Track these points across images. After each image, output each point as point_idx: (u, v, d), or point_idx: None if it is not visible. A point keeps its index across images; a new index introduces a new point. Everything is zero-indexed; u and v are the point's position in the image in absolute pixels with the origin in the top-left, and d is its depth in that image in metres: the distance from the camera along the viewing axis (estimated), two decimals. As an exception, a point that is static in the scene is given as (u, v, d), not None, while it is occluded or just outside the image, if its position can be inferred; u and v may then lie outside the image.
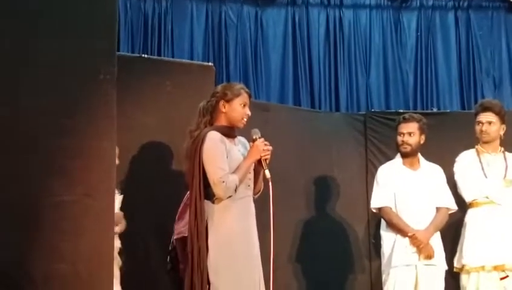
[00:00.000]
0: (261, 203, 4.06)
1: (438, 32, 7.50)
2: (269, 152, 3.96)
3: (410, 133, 5.12)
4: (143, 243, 4.81)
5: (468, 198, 5.11)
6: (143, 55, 6.16)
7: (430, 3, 7.52)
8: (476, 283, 4.96)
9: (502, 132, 5.14)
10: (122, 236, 4.66)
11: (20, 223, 3.18)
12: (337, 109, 7.18)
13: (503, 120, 5.12)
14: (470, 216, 5.10)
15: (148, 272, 4.87)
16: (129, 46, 6.86)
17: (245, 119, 4.03)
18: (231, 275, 3.85)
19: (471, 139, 5.23)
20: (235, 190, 3.85)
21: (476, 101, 6.42)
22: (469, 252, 5.00)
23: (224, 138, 3.94)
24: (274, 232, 3.89)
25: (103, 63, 3.48)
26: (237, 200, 3.90)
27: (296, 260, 5.91)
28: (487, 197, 5.05)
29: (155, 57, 6.50)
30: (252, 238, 3.96)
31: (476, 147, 5.19)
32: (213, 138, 3.89)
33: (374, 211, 5.23)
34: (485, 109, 5.12)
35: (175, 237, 4.52)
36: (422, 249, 4.93)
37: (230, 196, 3.86)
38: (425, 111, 6.64)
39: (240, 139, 4.10)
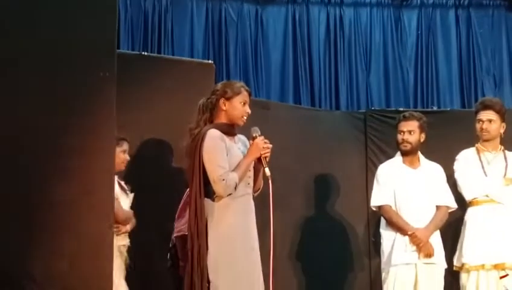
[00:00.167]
0: (260, 201, 4.06)
1: (438, 31, 7.50)
2: (269, 150, 3.95)
3: (410, 131, 5.12)
4: (143, 240, 4.80)
5: (468, 196, 5.10)
6: (143, 52, 6.15)
7: (431, 1, 7.52)
8: (475, 281, 4.96)
9: (502, 130, 5.13)
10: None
11: (20, 222, 3.18)
12: (337, 107, 7.19)
13: (503, 118, 5.12)
14: (470, 215, 5.10)
15: (148, 269, 4.87)
16: (129, 44, 6.86)
17: (245, 117, 4.03)
18: (231, 273, 3.84)
19: (471, 138, 5.22)
20: (235, 188, 3.85)
21: (476, 100, 6.42)
22: (469, 251, 5.00)
23: (224, 136, 3.94)
24: (274, 230, 3.88)
25: (103, 61, 3.48)
26: (237, 198, 3.90)
27: (295, 258, 5.91)
28: (487, 196, 5.05)
29: (155, 54, 6.50)
30: (251, 236, 3.96)
31: (476, 145, 5.18)
32: (213, 136, 3.89)
33: (374, 209, 5.23)
34: (486, 107, 5.11)
35: (175, 234, 4.52)
36: (422, 248, 4.93)
37: (230, 194, 3.86)
38: (425, 109, 6.65)
39: (240, 137, 4.10)
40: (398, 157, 5.20)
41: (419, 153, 5.19)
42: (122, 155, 4.66)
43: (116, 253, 4.56)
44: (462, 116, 6.15)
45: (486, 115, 5.08)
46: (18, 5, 3.31)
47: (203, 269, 3.80)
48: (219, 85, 4.13)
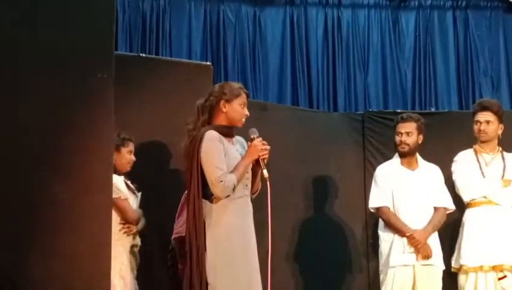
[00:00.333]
0: (258, 203, 4.06)
1: (436, 32, 7.51)
2: (267, 152, 3.95)
3: (408, 132, 5.12)
4: (141, 241, 4.80)
5: (466, 198, 5.11)
6: (141, 54, 6.17)
7: (429, 3, 7.53)
8: (474, 283, 4.96)
9: (499, 132, 5.13)
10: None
11: (18, 223, 3.18)
12: (335, 109, 7.18)
13: (501, 120, 5.12)
14: (468, 216, 5.10)
15: (147, 270, 4.86)
16: (127, 45, 6.86)
17: (244, 120, 4.03)
18: (229, 274, 3.84)
19: (469, 139, 5.23)
20: (233, 190, 3.85)
21: (474, 101, 6.42)
22: (467, 252, 5.00)
23: (223, 138, 3.94)
24: (272, 232, 3.89)
25: (101, 62, 3.48)
26: (235, 199, 3.90)
27: (293, 259, 5.91)
28: (485, 197, 5.05)
29: (153, 56, 6.51)
30: (249, 237, 3.96)
31: (474, 146, 5.19)
32: (211, 138, 3.89)
33: (372, 211, 5.23)
34: (484, 108, 5.12)
35: (173, 236, 4.52)
36: (420, 249, 4.93)
37: (228, 196, 3.86)
38: (423, 111, 6.65)
39: (238, 138, 4.10)
40: (396, 158, 5.21)
41: (417, 154, 5.19)
42: (128, 155, 4.67)
43: (127, 253, 4.59)
44: (459, 117, 6.15)
45: (484, 116, 5.08)
46: (18, 6, 3.31)
47: (202, 271, 3.80)
48: (217, 87, 4.12)
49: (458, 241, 5.14)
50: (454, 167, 5.19)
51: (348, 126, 6.32)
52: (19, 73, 3.26)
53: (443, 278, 5.05)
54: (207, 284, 3.83)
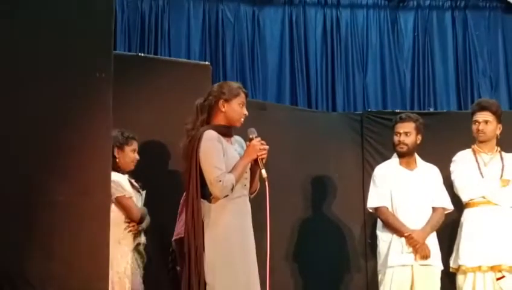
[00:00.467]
0: (257, 203, 4.06)
1: (434, 33, 7.51)
2: (266, 151, 3.95)
3: (407, 133, 5.12)
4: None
5: (464, 198, 5.11)
6: (140, 54, 6.16)
7: (427, 3, 7.53)
8: (472, 283, 4.96)
9: (498, 132, 5.14)
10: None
11: (17, 223, 3.18)
12: (334, 109, 7.18)
13: (499, 119, 5.12)
14: (467, 216, 5.11)
15: (146, 271, 4.85)
16: (126, 45, 6.86)
17: (243, 119, 4.03)
18: (227, 274, 3.84)
19: (467, 139, 5.23)
20: (232, 189, 3.85)
21: (472, 102, 6.40)
22: (465, 253, 5.00)
23: (221, 137, 3.93)
24: (270, 232, 3.88)
25: (100, 62, 3.48)
26: (233, 199, 3.90)
27: (292, 259, 5.91)
28: (484, 197, 5.06)
29: (152, 55, 6.50)
30: (248, 237, 3.96)
31: (473, 146, 5.19)
32: (210, 137, 3.88)
33: (370, 211, 5.23)
34: (482, 108, 5.12)
35: (173, 238, 4.52)
36: (419, 249, 4.93)
37: (226, 195, 3.86)
38: (422, 111, 6.65)
39: (237, 138, 4.09)
40: (394, 158, 5.21)
41: (415, 154, 5.19)
42: (132, 154, 4.68)
43: (132, 252, 4.60)
44: (458, 117, 6.15)
45: (482, 116, 5.09)
46: (18, 7, 3.31)
47: (200, 271, 3.79)
48: (216, 86, 4.12)
49: (456, 241, 5.14)
50: (452, 167, 5.19)
51: (346, 126, 6.32)
52: (17, 73, 3.26)
53: (441, 278, 5.05)
54: (205, 284, 3.82)
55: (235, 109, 4.00)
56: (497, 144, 5.19)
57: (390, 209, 5.06)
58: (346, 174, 6.17)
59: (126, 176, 4.68)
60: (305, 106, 7.12)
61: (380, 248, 5.09)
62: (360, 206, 5.92)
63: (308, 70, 7.27)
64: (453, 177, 5.17)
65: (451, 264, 5.12)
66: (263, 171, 3.91)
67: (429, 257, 4.94)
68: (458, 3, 7.54)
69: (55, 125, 3.31)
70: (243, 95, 4.04)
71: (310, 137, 6.16)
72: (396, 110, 6.25)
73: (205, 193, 3.88)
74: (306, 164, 6.07)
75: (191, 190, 3.85)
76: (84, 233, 3.32)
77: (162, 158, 5.05)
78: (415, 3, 7.52)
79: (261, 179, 3.97)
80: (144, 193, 4.77)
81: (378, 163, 5.47)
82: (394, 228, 5.00)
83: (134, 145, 4.71)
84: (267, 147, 3.96)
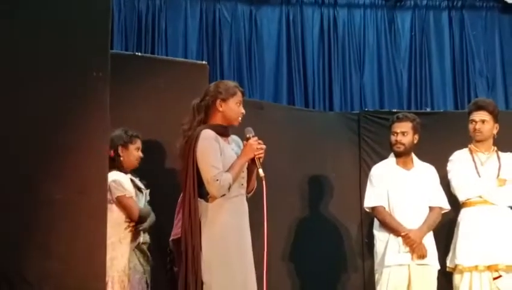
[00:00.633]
0: (254, 202, 4.06)
1: (431, 32, 7.51)
2: (263, 151, 3.95)
3: (404, 132, 5.12)
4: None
5: (461, 197, 5.11)
6: (137, 53, 6.15)
7: (424, 3, 7.53)
8: (469, 282, 4.96)
9: (495, 131, 5.14)
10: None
11: (14, 222, 3.17)
12: (331, 108, 7.19)
13: (496, 119, 5.13)
14: (463, 215, 5.11)
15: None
16: (123, 44, 6.85)
17: (240, 118, 4.03)
18: (224, 273, 3.84)
19: (464, 139, 5.23)
20: (229, 189, 3.85)
21: (469, 101, 6.41)
22: (462, 252, 5.01)
23: (218, 137, 3.93)
24: (267, 231, 3.88)
25: (96, 61, 3.47)
26: (231, 198, 3.90)
27: (289, 258, 5.91)
28: (480, 197, 5.06)
29: (149, 55, 6.49)
30: (244, 236, 3.96)
31: (469, 146, 5.19)
32: (207, 137, 3.88)
33: (367, 210, 5.23)
34: (479, 107, 5.12)
35: (171, 238, 4.51)
36: (415, 249, 4.93)
37: (223, 195, 3.86)
38: (418, 111, 6.65)
39: (234, 137, 4.09)
40: (391, 158, 5.21)
41: (412, 154, 5.19)
42: (136, 152, 4.71)
43: (133, 251, 4.60)
44: (455, 117, 6.16)
45: (479, 115, 5.09)
46: (18, 7, 3.31)
47: (197, 270, 3.79)
48: (212, 86, 4.12)
49: (453, 241, 5.14)
50: (449, 167, 5.20)
51: (343, 126, 6.33)
52: (14, 72, 3.25)
53: (438, 278, 5.05)
54: (202, 283, 3.82)
55: (233, 108, 4.00)
56: (494, 144, 5.19)
57: (387, 208, 5.07)
58: (343, 174, 6.18)
59: (128, 175, 4.69)
60: (302, 105, 7.12)
61: (377, 247, 5.09)
62: (357, 206, 5.92)
63: (305, 69, 7.27)
64: (449, 176, 5.17)
65: (448, 263, 5.12)
66: (260, 171, 3.92)
67: (426, 256, 4.95)
68: (455, 3, 7.54)
69: (52, 124, 3.31)
70: (239, 93, 4.04)
71: (307, 136, 6.16)
72: (394, 110, 6.25)
73: (202, 192, 3.88)
74: (303, 163, 6.08)
75: (188, 189, 3.86)
76: (81, 232, 3.32)
77: (159, 157, 5.04)
78: (412, 3, 7.52)
79: (258, 178, 3.97)
80: (146, 192, 4.79)
81: (375, 162, 5.48)
82: (391, 228, 5.00)
83: (138, 143, 4.74)
84: (264, 146, 3.96)
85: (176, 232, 4.41)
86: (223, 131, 3.99)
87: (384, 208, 5.07)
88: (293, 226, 5.97)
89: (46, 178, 3.24)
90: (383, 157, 5.42)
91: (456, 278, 5.05)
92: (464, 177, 5.10)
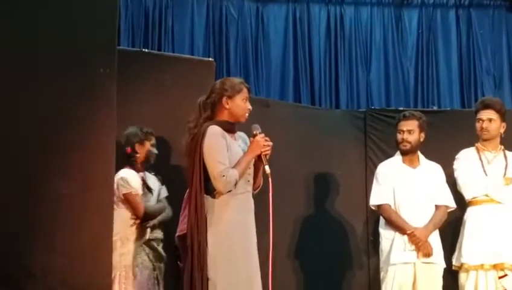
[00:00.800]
0: (260, 199, 4.06)
1: (439, 31, 7.49)
2: (269, 148, 3.94)
3: (410, 130, 5.11)
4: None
5: (468, 196, 5.10)
6: (143, 49, 6.16)
7: (432, 1, 7.51)
8: (474, 281, 4.95)
9: (502, 130, 5.13)
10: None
11: (19, 217, 3.18)
12: (337, 106, 7.18)
13: (503, 118, 5.11)
14: (470, 214, 5.10)
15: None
16: (129, 41, 6.86)
17: (247, 114, 4.03)
18: (229, 270, 3.84)
19: (471, 138, 5.22)
20: (235, 185, 3.85)
21: (476, 100, 6.41)
22: (468, 251, 5.00)
23: (225, 133, 3.93)
24: (273, 228, 3.88)
25: (103, 58, 3.49)
26: (237, 195, 3.89)
27: (294, 256, 5.91)
28: (487, 195, 5.05)
29: (155, 51, 6.50)
30: (250, 233, 3.96)
31: (476, 144, 5.18)
32: (214, 133, 3.88)
33: (373, 208, 5.22)
34: (486, 106, 5.11)
35: (177, 234, 4.52)
36: (421, 247, 4.92)
37: (230, 191, 3.85)
38: (425, 109, 6.64)
39: (240, 134, 4.09)
40: (397, 156, 5.20)
41: (418, 152, 5.18)
42: (151, 149, 4.77)
43: (140, 248, 4.62)
44: (462, 116, 6.15)
45: (486, 114, 5.08)
46: (18, 6, 3.31)
47: (203, 266, 3.79)
48: (218, 83, 4.11)
49: (459, 239, 5.13)
50: (456, 165, 5.19)
51: (350, 123, 6.32)
52: (19, 69, 3.26)
53: (444, 276, 5.04)
54: (207, 279, 3.82)
55: (239, 104, 3.99)
56: (501, 143, 5.18)
57: (393, 207, 5.06)
58: (349, 172, 6.17)
59: (141, 174, 4.75)
60: (308, 103, 7.11)
61: (383, 245, 5.09)
62: (362, 204, 5.92)
63: (311, 67, 7.26)
64: (456, 175, 5.16)
65: (454, 262, 5.11)
66: (266, 167, 3.91)
67: (431, 254, 4.94)
68: (462, 2, 7.52)
69: (58, 120, 3.32)
70: (245, 90, 4.04)
71: (313, 134, 6.16)
72: (400, 108, 6.25)
73: (208, 188, 3.88)
74: (309, 161, 6.07)
75: (195, 185, 3.85)
76: (86, 228, 3.33)
77: (166, 153, 5.05)
78: (419, 1, 7.50)
79: (264, 175, 3.96)
80: (162, 187, 4.82)
81: (381, 161, 5.47)
82: (397, 226, 5.00)
83: (153, 140, 4.83)
84: (270, 143, 3.95)
85: (181, 228, 4.42)
86: (230, 127, 3.99)
87: (390, 206, 5.06)
88: (299, 224, 5.97)
89: (52, 174, 3.25)
90: (389, 155, 5.41)
91: (462, 276, 5.04)
92: (470, 176, 5.08)
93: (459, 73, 7.47)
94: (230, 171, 3.82)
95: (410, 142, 5.10)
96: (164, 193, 4.90)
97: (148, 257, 4.68)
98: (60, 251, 3.21)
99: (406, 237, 4.95)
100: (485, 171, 5.08)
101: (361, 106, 7.09)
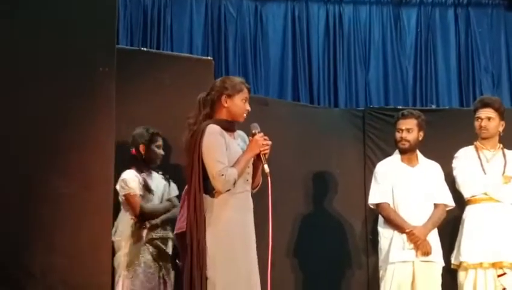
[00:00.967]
0: (259, 198, 4.06)
1: (437, 29, 7.49)
2: (268, 147, 3.94)
3: (409, 129, 5.12)
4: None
5: (466, 194, 5.11)
6: (142, 48, 6.16)
7: (430, 0, 7.52)
8: (473, 280, 4.96)
9: (501, 129, 5.14)
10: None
11: (19, 217, 3.18)
12: (336, 105, 7.18)
13: (502, 117, 5.12)
14: (468, 213, 5.11)
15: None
16: (128, 40, 6.86)
17: (245, 115, 4.03)
18: (228, 269, 3.84)
19: (469, 136, 5.23)
20: (234, 184, 3.85)
21: (474, 98, 6.41)
22: (467, 249, 5.00)
23: (224, 132, 3.93)
24: (272, 227, 3.88)
25: (102, 56, 3.49)
26: (236, 194, 3.89)
27: (293, 254, 5.92)
28: (486, 194, 5.06)
29: (154, 50, 6.50)
30: (249, 232, 3.96)
31: (475, 143, 5.19)
32: (213, 131, 3.88)
33: (372, 207, 5.23)
34: (485, 104, 5.12)
35: (175, 232, 4.53)
36: (420, 246, 4.93)
37: (229, 190, 3.86)
38: (424, 108, 6.65)
39: (239, 133, 4.09)
40: (396, 155, 5.21)
41: (417, 151, 5.18)
42: (157, 150, 4.81)
43: (142, 248, 4.63)
44: (460, 114, 6.16)
45: (485, 112, 5.09)
46: (18, 6, 3.31)
47: (202, 265, 3.79)
48: (219, 81, 4.11)
49: (458, 238, 5.14)
50: (455, 163, 5.19)
51: (348, 122, 6.33)
52: (19, 67, 3.26)
53: (442, 275, 5.05)
54: (206, 278, 3.82)
55: (238, 104, 3.99)
56: (500, 141, 5.19)
57: (391, 205, 5.06)
58: (348, 171, 6.17)
59: (142, 175, 4.75)
60: (307, 101, 7.11)
61: (381, 244, 5.09)
62: (361, 203, 5.92)
63: (310, 66, 7.26)
64: (455, 173, 5.17)
65: (453, 260, 5.12)
66: (265, 167, 3.91)
67: (430, 253, 4.94)
68: (461, 0, 7.52)
69: (57, 119, 3.32)
70: (245, 90, 4.03)
71: (312, 133, 6.16)
72: (399, 107, 6.25)
73: (207, 187, 3.88)
74: (308, 159, 6.08)
75: (193, 183, 3.85)
76: (86, 227, 3.33)
77: (165, 152, 5.04)
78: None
79: (263, 174, 3.97)
80: (172, 186, 4.86)
81: (380, 159, 5.48)
82: (395, 225, 5.00)
83: (159, 141, 4.83)
84: (269, 142, 3.95)
85: (179, 226, 4.43)
86: (229, 126, 3.99)
87: (389, 204, 5.07)
88: (297, 222, 5.98)
89: (52, 173, 3.25)
90: (388, 154, 5.42)
91: (461, 275, 5.05)
92: (469, 174, 5.09)
93: (457, 72, 7.47)
94: (229, 170, 3.82)
95: (408, 141, 5.11)
96: (174, 192, 4.91)
97: (152, 256, 4.69)
98: (60, 251, 3.21)
99: (404, 235, 4.95)
100: (483, 169, 5.08)
101: (360, 105, 7.09)
